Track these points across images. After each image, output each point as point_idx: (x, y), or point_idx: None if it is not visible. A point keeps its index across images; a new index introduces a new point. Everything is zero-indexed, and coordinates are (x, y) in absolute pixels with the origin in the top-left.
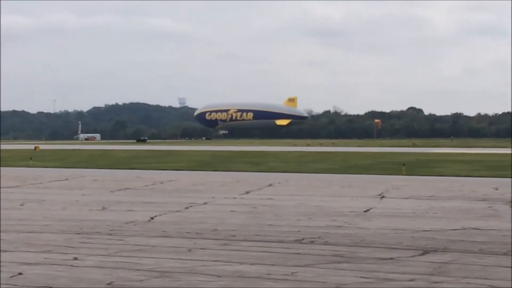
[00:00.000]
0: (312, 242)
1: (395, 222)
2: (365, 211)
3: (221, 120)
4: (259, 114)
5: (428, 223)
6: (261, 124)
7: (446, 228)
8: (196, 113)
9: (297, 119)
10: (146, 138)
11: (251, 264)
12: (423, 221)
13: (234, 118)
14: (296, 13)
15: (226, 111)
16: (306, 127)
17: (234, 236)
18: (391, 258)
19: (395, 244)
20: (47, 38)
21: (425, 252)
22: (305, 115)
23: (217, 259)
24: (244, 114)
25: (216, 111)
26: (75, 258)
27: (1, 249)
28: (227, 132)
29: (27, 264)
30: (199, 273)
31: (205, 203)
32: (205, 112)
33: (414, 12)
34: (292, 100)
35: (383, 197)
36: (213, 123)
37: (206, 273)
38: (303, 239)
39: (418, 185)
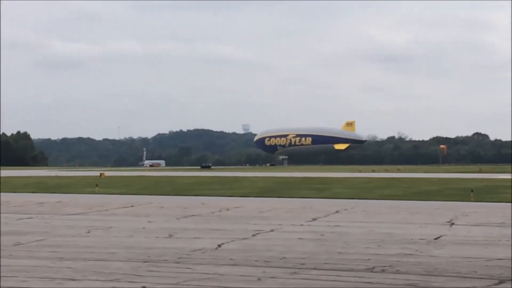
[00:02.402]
0: (383, 270)
1: (467, 250)
2: (435, 239)
3: (280, 145)
4: (318, 139)
5: (501, 251)
6: (319, 148)
7: None
8: (256, 138)
9: (355, 143)
10: (210, 164)
11: None
12: (496, 249)
13: (293, 143)
14: (359, 38)
15: (285, 136)
16: (367, 152)
17: (303, 264)
18: None
19: (469, 273)
20: (112, 65)
21: (501, 281)
22: (363, 139)
23: None
24: (303, 139)
25: (275, 137)
26: (144, 287)
27: (69, 277)
28: (286, 157)
29: None
30: None
31: (272, 230)
32: (265, 138)
33: (478, 37)
34: (350, 124)
35: (452, 224)
36: (273, 148)
37: None
38: (374, 267)
39: (487, 212)
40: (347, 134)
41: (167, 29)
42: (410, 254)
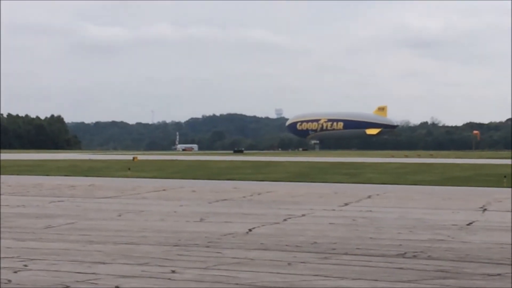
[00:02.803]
0: (414, 256)
1: (500, 236)
2: (468, 225)
3: (311, 130)
4: (349, 124)
5: None
6: (351, 133)
7: None
8: (287, 123)
9: (387, 128)
10: (243, 149)
11: (353, 279)
12: None
13: (324, 128)
14: (394, 24)
15: (317, 121)
16: (400, 137)
17: (334, 249)
18: (499, 274)
19: (502, 259)
20: (146, 50)
21: None
22: (395, 124)
23: (318, 273)
24: (335, 123)
25: (307, 121)
26: (173, 271)
27: (99, 260)
28: (318, 142)
29: (124, 277)
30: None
31: (303, 215)
32: (296, 122)
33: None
34: (382, 109)
35: (485, 210)
36: (304, 133)
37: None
38: (405, 253)
39: None
40: (379, 119)
41: (202, 13)
42: (442, 240)
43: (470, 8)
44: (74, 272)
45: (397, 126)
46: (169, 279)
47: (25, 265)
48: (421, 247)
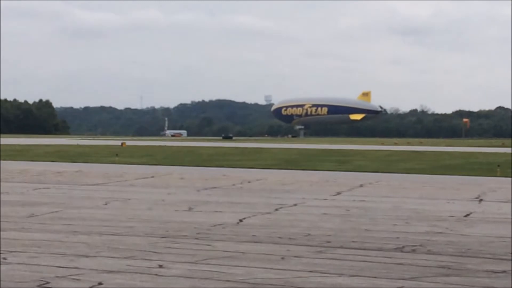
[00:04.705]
0: (413, 250)
1: (500, 229)
2: (465, 216)
3: (296, 115)
4: (334, 109)
5: None
6: (335, 118)
7: None
8: (273, 108)
9: (371, 113)
10: (232, 135)
11: (351, 276)
12: None
13: (309, 113)
14: (383, 11)
15: (302, 106)
16: (390, 125)
17: (329, 242)
18: (504, 271)
19: (505, 255)
20: (135, 35)
21: None
22: (379, 109)
23: (313, 269)
24: (319, 109)
25: (292, 106)
26: (160, 266)
27: (82, 253)
28: (303, 127)
29: (108, 272)
30: (295, 286)
31: (295, 205)
32: (281, 107)
33: (502, 11)
34: (366, 94)
35: (481, 200)
36: (289, 118)
37: (302, 287)
38: (403, 247)
39: None
40: (362, 104)
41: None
42: (440, 233)
43: None
44: (55, 266)
45: (380, 111)
46: (156, 274)
47: (4, 258)
48: (419, 240)
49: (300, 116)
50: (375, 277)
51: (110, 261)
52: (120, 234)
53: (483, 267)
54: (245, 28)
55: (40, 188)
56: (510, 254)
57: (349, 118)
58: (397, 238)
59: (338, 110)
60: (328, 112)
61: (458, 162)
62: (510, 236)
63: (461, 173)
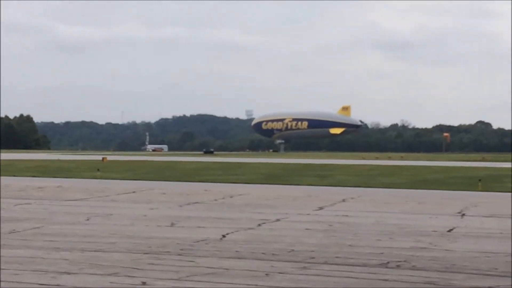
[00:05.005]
0: (398, 266)
1: (483, 244)
2: (448, 231)
3: (276, 129)
4: (314, 123)
5: None
6: (315, 133)
7: None
8: (253, 123)
9: (351, 127)
10: (213, 150)
11: None
12: None
13: (289, 127)
14: (364, 26)
15: (282, 120)
16: (371, 139)
17: (313, 258)
18: (489, 287)
19: (490, 270)
20: (116, 49)
21: None
22: (359, 123)
23: (298, 285)
24: (299, 123)
25: (272, 121)
26: (144, 283)
27: (65, 270)
28: (283, 141)
29: None
30: None
31: (278, 220)
32: (262, 122)
33: (483, 25)
34: (346, 108)
35: (463, 214)
36: (270, 132)
37: None
38: (388, 262)
39: (497, 202)
40: (342, 118)
41: (172, 13)
42: (424, 248)
43: (440, 9)
44: (37, 284)
45: (360, 125)
46: None
47: None
48: (403, 255)
49: (280, 130)
50: None
51: (93, 278)
52: (102, 250)
53: (469, 283)
54: (227, 42)
55: (21, 204)
56: (495, 270)
57: (329, 132)
58: (381, 253)
59: (318, 124)
60: (308, 126)
61: (439, 177)
62: (495, 251)
63: (442, 187)
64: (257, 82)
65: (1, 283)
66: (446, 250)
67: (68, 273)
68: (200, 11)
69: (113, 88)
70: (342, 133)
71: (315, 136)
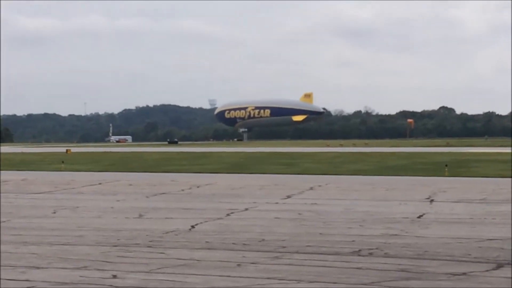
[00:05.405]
0: (371, 254)
1: (454, 230)
2: (418, 217)
3: (239, 118)
4: (276, 111)
5: (490, 230)
6: (278, 120)
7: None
8: (216, 111)
9: (313, 114)
10: (177, 140)
11: (310, 281)
12: (484, 228)
13: (252, 115)
14: (327, 13)
15: (244, 108)
16: (335, 127)
17: (284, 247)
18: (464, 274)
19: (463, 256)
20: (78, 41)
21: (499, 265)
22: (321, 110)
23: (271, 275)
24: (262, 111)
25: (235, 109)
26: (114, 276)
27: (33, 265)
28: (246, 130)
29: (61, 284)
30: None
31: (246, 209)
32: (225, 111)
33: (446, 12)
34: (308, 95)
35: (432, 200)
36: (233, 121)
37: None
38: (360, 250)
39: (465, 187)
40: (304, 105)
41: (133, 4)
42: (395, 235)
43: None
44: (5, 279)
45: (323, 112)
46: (110, 285)
47: None
48: (375, 243)
49: (243, 118)
50: (335, 283)
51: (63, 273)
52: (71, 243)
53: (443, 270)
54: (190, 32)
55: None
56: (468, 256)
57: (292, 119)
58: (353, 241)
59: (281, 112)
60: (271, 114)
61: (405, 163)
62: (467, 236)
63: (409, 173)
64: (221, 71)
65: None
66: (417, 236)
67: (37, 268)
68: (162, 1)
69: (76, 79)
70: (304, 120)
71: (278, 124)
